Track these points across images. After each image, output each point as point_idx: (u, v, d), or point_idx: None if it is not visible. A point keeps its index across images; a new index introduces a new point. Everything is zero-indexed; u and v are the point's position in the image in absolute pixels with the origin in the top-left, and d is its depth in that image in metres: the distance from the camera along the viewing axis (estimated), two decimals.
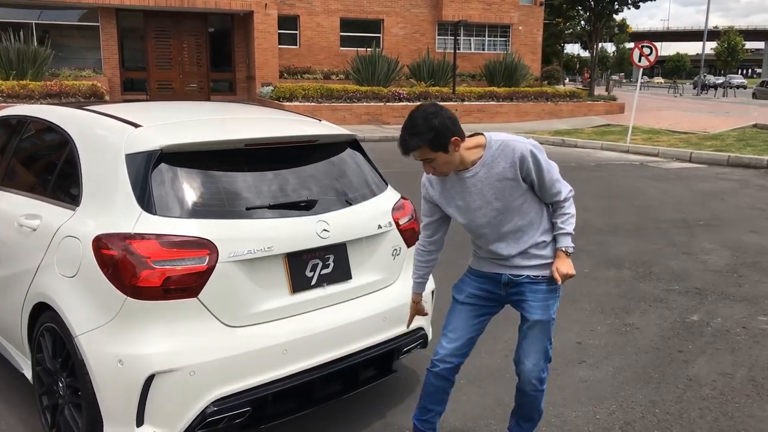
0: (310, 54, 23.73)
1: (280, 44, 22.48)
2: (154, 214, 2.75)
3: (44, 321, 2.99)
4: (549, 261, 2.76)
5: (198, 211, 2.81)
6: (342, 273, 3.17)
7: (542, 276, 2.77)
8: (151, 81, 22.09)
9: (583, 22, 33.67)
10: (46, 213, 3.12)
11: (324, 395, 3.14)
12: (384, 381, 3.60)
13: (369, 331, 3.20)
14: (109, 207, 2.84)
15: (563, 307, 5.05)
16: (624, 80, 64.98)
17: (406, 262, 3.49)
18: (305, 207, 3.07)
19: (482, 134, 2.70)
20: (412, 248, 3.53)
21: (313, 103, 18.84)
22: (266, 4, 21.58)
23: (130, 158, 2.87)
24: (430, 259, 3.01)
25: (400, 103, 19.53)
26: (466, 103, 20.54)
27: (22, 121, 3.79)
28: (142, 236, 2.68)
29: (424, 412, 3.02)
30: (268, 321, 2.90)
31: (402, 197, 3.67)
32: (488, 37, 26.70)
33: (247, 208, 2.92)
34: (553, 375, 3.95)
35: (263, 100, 20.36)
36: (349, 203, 3.27)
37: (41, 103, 11.67)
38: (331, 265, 3.12)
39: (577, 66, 48.69)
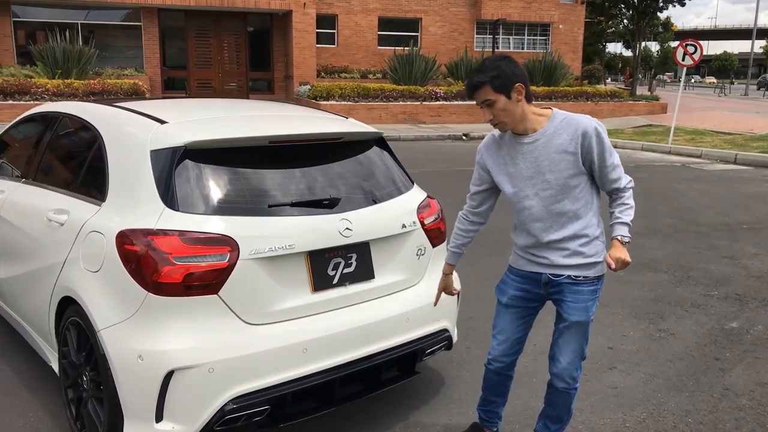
0: (347, 53, 23.79)
1: (317, 43, 22.58)
2: (177, 210, 2.75)
3: (70, 315, 3.03)
4: (591, 260, 2.68)
5: (220, 208, 2.81)
6: (365, 272, 3.13)
7: (583, 276, 2.69)
8: (191, 80, 22.42)
9: (625, 21, 33.03)
10: (74, 208, 3.16)
11: (345, 395, 3.11)
12: (407, 382, 3.56)
13: (391, 332, 3.15)
14: (134, 203, 2.86)
15: (595, 311, 4.95)
16: (671, 80, 63.57)
17: (431, 263, 3.44)
18: (328, 205, 3.04)
19: (550, 108, 2.67)
20: (438, 248, 3.50)
21: (349, 102, 18.87)
22: (305, 4, 21.70)
23: (155, 154, 2.88)
24: (470, 230, 2.95)
25: (437, 102, 19.43)
26: None
27: (55, 117, 3.86)
28: (164, 232, 2.69)
29: (486, 403, 3.09)
30: (289, 319, 2.88)
31: (428, 196, 3.62)
32: (528, 35, 26.38)
33: (270, 206, 2.90)
34: (582, 380, 3.84)
35: (300, 99, 20.49)
36: (373, 202, 3.24)
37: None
38: (354, 264, 3.09)
39: (620, 65, 47.76)
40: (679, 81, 17.46)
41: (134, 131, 3.12)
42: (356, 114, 18.81)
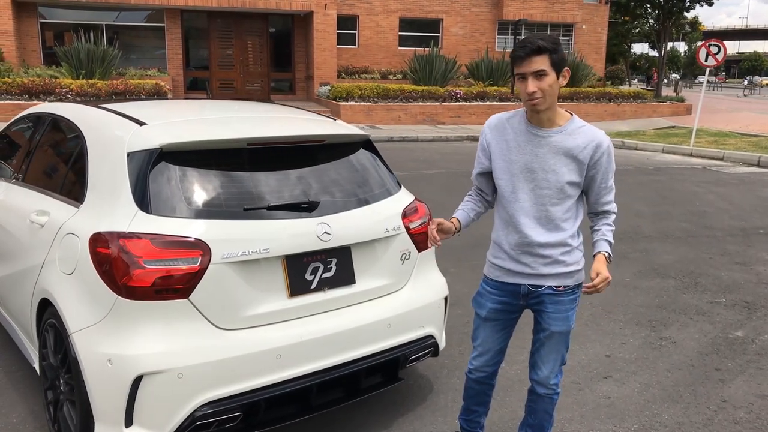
0: (368, 54, 23.76)
1: (338, 44, 22.58)
2: (150, 213, 2.73)
3: (48, 317, 3.03)
4: (570, 269, 2.65)
5: (194, 211, 2.78)
6: (345, 277, 3.08)
7: (564, 286, 2.65)
8: (213, 80, 22.58)
9: (651, 21, 32.52)
10: (54, 209, 3.16)
11: (323, 402, 3.06)
12: (393, 388, 3.51)
13: (371, 338, 3.10)
14: (109, 205, 2.85)
15: (595, 317, 4.86)
16: (721, 81, 62.13)
17: (416, 268, 3.38)
18: (306, 209, 3.00)
19: (571, 113, 2.64)
20: (424, 253, 3.43)
21: (368, 103, 18.84)
22: (326, 5, 21.72)
23: (131, 156, 2.86)
24: (474, 207, 2.85)
25: (457, 103, 19.31)
26: None
27: (45, 118, 3.88)
28: (135, 235, 2.67)
29: (468, 412, 3.04)
30: (264, 324, 2.85)
31: (416, 199, 3.56)
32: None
33: (245, 209, 2.87)
34: (573, 390, 3.78)
35: (320, 99, 20.52)
36: (355, 205, 3.18)
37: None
38: (334, 268, 3.04)
39: (646, 66, 47.01)
40: (710, 83, 17.10)
41: (113, 132, 3.11)
42: (375, 115, 18.79)
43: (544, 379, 2.76)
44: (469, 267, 5.37)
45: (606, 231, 2.65)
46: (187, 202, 2.80)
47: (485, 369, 2.89)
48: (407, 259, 3.35)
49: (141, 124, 3.05)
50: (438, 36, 24.49)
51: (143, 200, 2.75)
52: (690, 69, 65.28)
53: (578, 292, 2.72)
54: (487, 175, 2.78)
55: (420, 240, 3.41)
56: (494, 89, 20.50)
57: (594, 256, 2.60)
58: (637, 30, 36.05)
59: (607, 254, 2.59)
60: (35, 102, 16.05)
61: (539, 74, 2.43)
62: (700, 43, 17.58)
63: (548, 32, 25.37)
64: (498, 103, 19.35)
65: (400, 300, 3.28)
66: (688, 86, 47.77)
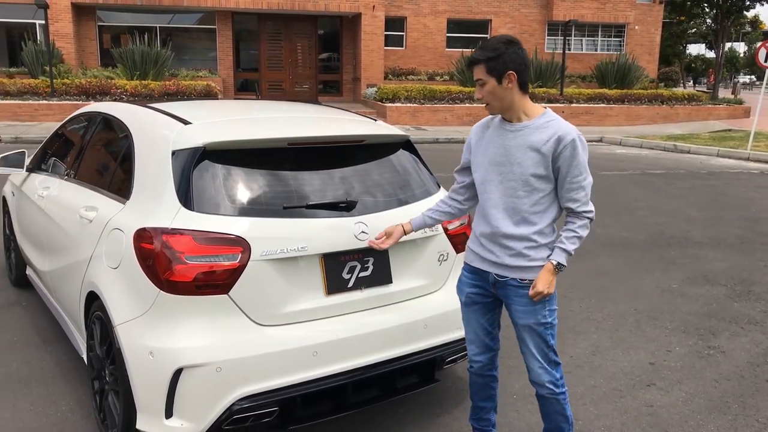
0: (415, 55, 23.74)
1: (386, 46, 22.64)
2: (193, 210, 2.79)
3: (95, 309, 3.12)
4: (535, 264, 2.65)
5: (235, 209, 2.83)
6: (382, 277, 3.09)
7: (529, 280, 2.65)
8: (263, 82, 22.91)
9: (708, 20, 31.58)
10: (102, 205, 3.27)
11: (359, 400, 3.07)
12: (428, 389, 3.51)
13: (408, 338, 3.10)
14: (153, 202, 2.92)
15: (639, 324, 4.75)
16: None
17: (454, 269, 3.36)
18: (345, 208, 3.02)
19: (545, 107, 2.68)
20: (462, 254, 3.41)
21: (414, 104, 18.84)
22: (374, 6, 21.81)
23: (176, 155, 2.93)
24: (436, 212, 2.95)
25: None
26: (573, 105, 19.82)
27: (95, 117, 4.00)
28: (178, 231, 2.73)
29: (476, 411, 3.06)
30: (301, 321, 2.88)
31: None
32: (601, 37, 25.60)
33: (285, 208, 2.91)
34: (614, 396, 3.70)
35: (367, 101, 20.61)
36: (393, 205, 3.19)
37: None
38: (371, 268, 3.06)
39: (703, 68, 45.63)
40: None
41: (160, 131, 3.18)
42: (421, 116, 18.78)
43: (537, 378, 2.75)
44: None
45: (566, 237, 2.62)
46: (229, 199, 2.85)
47: (479, 358, 2.93)
48: (445, 260, 3.34)
49: (186, 123, 3.12)
50: (486, 37, 24.28)
51: (186, 197, 2.82)
52: (750, 70, 63.13)
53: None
54: (466, 171, 2.88)
55: (458, 242, 3.39)
56: (543, 90, 20.25)
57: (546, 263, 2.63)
58: (693, 30, 35.02)
59: (555, 263, 2.60)
60: (92, 102, 16.59)
61: (479, 82, 2.60)
62: (759, 44, 16.98)
63: (599, 33, 25.00)
64: (546, 105, 19.01)
65: (437, 301, 3.28)
66: (747, 88, 46.17)
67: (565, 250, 2.60)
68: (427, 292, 3.27)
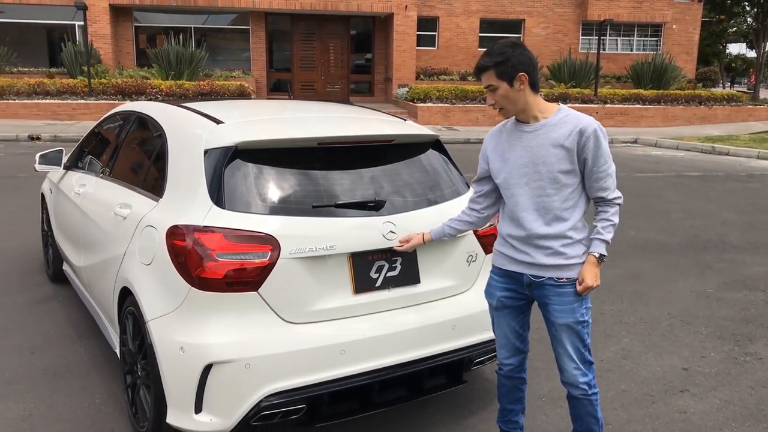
0: (447, 55, 23.68)
1: (418, 46, 22.63)
2: (224, 208, 2.83)
3: (128, 305, 3.18)
4: (572, 262, 2.63)
5: (265, 207, 2.86)
6: (410, 276, 3.09)
7: (566, 278, 2.63)
8: (295, 82, 23.08)
9: (749, 19, 30.87)
10: (136, 203, 3.32)
11: (385, 400, 3.08)
12: (456, 390, 3.49)
13: (435, 339, 3.09)
14: (186, 199, 2.96)
15: (673, 328, 4.66)
16: None
17: (483, 270, 3.34)
18: (373, 207, 3.03)
19: (558, 103, 2.69)
20: (490, 256, 3.39)
21: (446, 104, 18.81)
22: (406, 6, 21.80)
23: (208, 153, 2.97)
24: (457, 223, 2.95)
25: None
26: (608, 105, 19.56)
27: (130, 116, 4.08)
28: (210, 229, 2.77)
29: (504, 413, 3.05)
30: (329, 320, 2.89)
31: None
32: (637, 36, 25.20)
33: (314, 206, 2.92)
34: (646, 402, 3.64)
35: (398, 101, 20.62)
36: (421, 205, 3.19)
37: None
38: (399, 267, 3.06)
39: (743, 67, 44.63)
40: None
41: (193, 130, 3.23)
42: (453, 116, 18.72)
43: (571, 379, 2.71)
44: None
45: (602, 227, 2.62)
46: (259, 198, 2.88)
47: (509, 361, 2.91)
48: (473, 261, 3.32)
49: (218, 122, 3.15)
50: (519, 37, 24.10)
51: (218, 195, 2.85)
52: None
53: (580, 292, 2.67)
54: (486, 180, 2.85)
55: (487, 243, 3.37)
56: (576, 91, 20.02)
57: (587, 256, 2.63)
58: (733, 29, 34.29)
59: (597, 255, 2.61)
60: (127, 101, 16.89)
61: (490, 89, 2.60)
62: None
63: (635, 32, 24.61)
64: (580, 105, 18.85)
65: (466, 302, 3.26)
66: None
67: (603, 240, 2.61)
68: (455, 293, 3.26)
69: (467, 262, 3.29)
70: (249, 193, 2.88)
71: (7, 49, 18.27)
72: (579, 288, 2.60)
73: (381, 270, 3.01)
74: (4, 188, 8.92)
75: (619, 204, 2.64)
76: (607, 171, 2.59)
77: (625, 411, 3.55)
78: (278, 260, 2.76)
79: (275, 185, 2.94)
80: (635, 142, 16.84)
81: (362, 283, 2.96)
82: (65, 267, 4.88)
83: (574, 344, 2.67)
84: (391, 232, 2.98)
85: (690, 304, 5.22)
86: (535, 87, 2.59)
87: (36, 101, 16.78)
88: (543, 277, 2.65)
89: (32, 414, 3.37)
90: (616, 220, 2.63)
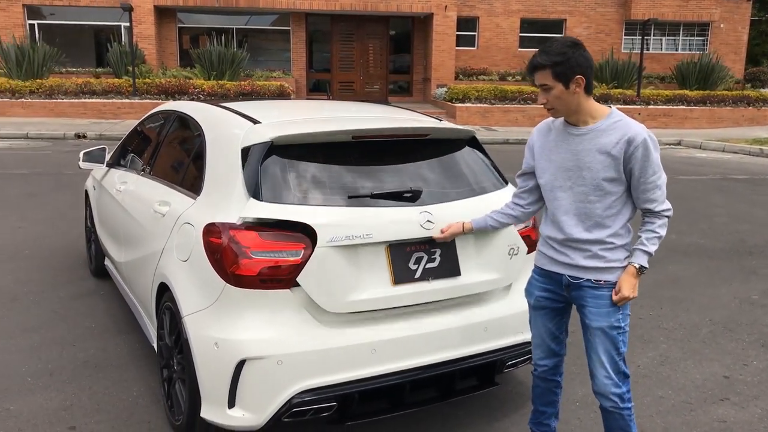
0: (487, 55, 23.52)
1: (457, 46, 22.53)
2: (260, 201, 2.86)
3: (165, 300, 3.24)
4: (611, 265, 2.57)
5: (301, 199, 2.88)
6: (450, 268, 3.05)
7: (605, 281, 2.57)
8: (334, 82, 23.22)
9: None
10: (175, 200, 3.39)
11: (416, 400, 3.08)
12: (488, 392, 3.47)
13: (468, 340, 3.07)
14: (223, 197, 3.01)
15: (714, 335, 4.55)
16: None
17: (525, 269, 3.30)
18: (410, 198, 3.02)
19: (610, 107, 2.60)
20: (530, 255, 3.36)
21: (485, 105, 18.68)
22: (446, 6, 21.74)
23: (245, 151, 3.01)
24: (500, 215, 2.93)
25: None
26: (651, 106, 19.18)
27: (170, 115, 4.16)
28: (245, 227, 2.81)
29: (537, 415, 3.03)
30: (369, 310, 2.88)
31: None
32: (682, 36, 24.64)
33: (350, 197, 2.93)
34: (684, 410, 3.57)
35: (437, 101, 20.57)
36: (458, 197, 3.16)
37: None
38: (438, 259, 3.02)
39: None
40: None
41: (231, 130, 3.28)
42: (492, 116, 18.59)
43: (602, 388, 2.64)
44: None
45: (646, 239, 2.54)
46: (296, 191, 2.90)
47: (543, 362, 2.88)
48: (515, 254, 3.26)
49: (255, 122, 3.20)
50: (560, 37, 23.81)
51: (255, 191, 2.89)
52: None
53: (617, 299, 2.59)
54: (530, 175, 2.81)
55: (527, 243, 3.34)
56: (618, 92, 19.68)
57: (627, 266, 2.57)
58: None
59: (637, 266, 2.54)
60: (170, 101, 17.22)
61: (544, 88, 2.52)
62: None
63: (680, 32, 24.06)
64: (622, 106, 18.51)
65: (499, 304, 3.24)
66: None
67: (646, 252, 2.54)
68: (497, 287, 3.22)
69: (509, 255, 3.23)
70: (285, 187, 2.90)
71: (56, 50, 18.79)
72: (615, 298, 2.55)
73: (420, 261, 2.98)
74: (52, 185, 9.19)
75: (667, 216, 2.56)
76: (655, 182, 2.50)
77: (662, 418, 3.48)
78: (315, 250, 2.76)
79: (311, 179, 2.97)
80: (679, 144, 16.47)
81: (401, 274, 2.93)
82: (107, 262, 5.00)
83: (608, 351, 2.60)
84: (428, 221, 2.96)
85: (733, 310, 5.08)
86: (589, 90, 2.51)
87: (83, 100, 17.23)
88: (581, 279, 2.61)
89: (73, 404, 3.46)
90: (662, 232, 2.55)
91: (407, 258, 2.96)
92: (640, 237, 2.57)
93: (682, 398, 3.70)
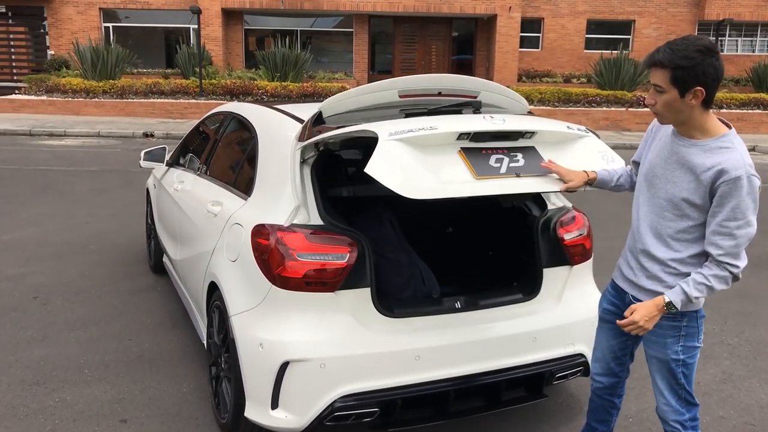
0: (551, 57, 23.09)
1: (521, 47, 22.22)
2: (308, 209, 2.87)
3: (215, 299, 3.29)
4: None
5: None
6: (537, 166, 2.65)
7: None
8: None
9: None
10: (227, 201, 3.44)
11: (461, 409, 3.03)
12: (537, 404, 3.38)
13: (515, 350, 3.00)
14: (272, 199, 3.04)
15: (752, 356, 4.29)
16: None
17: (569, 282, 3.21)
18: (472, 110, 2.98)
19: (730, 127, 2.31)
20: (578, 266, 3.26)
21: (548, 107, 18.29)
22: (510, 7, 21.47)
23: (297, 154, 3.01)
24: (621, 175, 2.69)
25: (645, 109, 18.11)
26: (723, 110, 18.38)
27: (227, 116, 4.23)
28: (292, 229, 2.82)
29: (588, 429, 2.93)
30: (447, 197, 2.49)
31: (574, 207, 3.39)
32: (760, 36, 23.55)
33: (407, 114, 2.89)
34: (747, 431, 3.37)
35: None
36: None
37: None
38: (521, 160, 2.65)
39: None
40: None
41: (283, 132, 3.30)
42: (555, 119, 18.18)
43: (661, 414, 2.54)
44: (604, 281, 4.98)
45: (693, 280, 2.28)
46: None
47: (602, 379, 2.78)
48: (612, 161, 2.80)
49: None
50: (629, 38, 23.16)
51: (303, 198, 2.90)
52: None
53: (683, 321, 2.40)
54: (639, 165, 2.60)
55: (576, 252, 3.24)
56: None
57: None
58: None
59: (667, 300, 2.31)
60: (235, 102, 17.57)
61: (656, 88, 2.26)
62: None
63: (758, 32, 23.01)
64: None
65: (548, 313, 3.15)
66: None
67: (685, 292, 2.28)
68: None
69: (603, 159, 2.80)
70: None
71: (129, 52, 19.50)
72: (619, 321, 2.38)
73: (501, 162, 2.61)
74: (119, 182, 9.52)
75: (730, 273, 2.26)
76: (731, 230, 2.21)
77: None
78: (382, 142, 2.43)
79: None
80: (753, 150, 15.74)
81: (483, 169, 2.54)
82: (165, 259, 5.13)
83: (665, 379, 2.47)
84: (493, 120, 2.65)
85: None
86: (708, 104, 2.24)
87: (152, 100, 17.80)
88: (641, 301, 2.44)
89: (125, 398, 3.56)
90: (714, 284, 2.26)
91: (486, 159, 2.59)
92: (690, 273, 2.33)
93: (744, 419, 3.51)
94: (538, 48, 23.23)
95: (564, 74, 22.44)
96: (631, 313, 2.35)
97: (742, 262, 2.28)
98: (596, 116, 18.08)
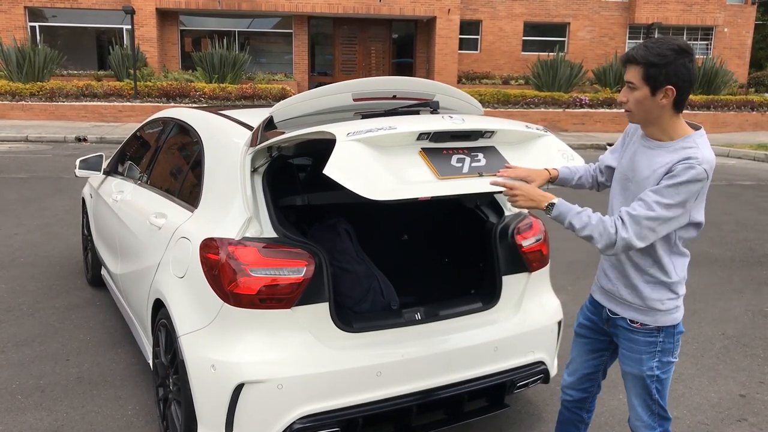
0: (490, 59, 23.42)
1: (460, 49, 22.45)
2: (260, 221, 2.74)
3: (160, 317, 3.11)
4: (651, 305, 2.36)
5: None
6: (499, 166, 2.55)
7: (641, 323, 2.39)
8: None
9: None
10: (171, 213, 3.26)
11: (423, 423, 2.95)
12: (496, 414, 3.34)
13: (476, 361, 2.94)
14: (221, 210, 2.88)
15: (728, 350, 4.41)
16: None
17: (527, 290, 3.18)
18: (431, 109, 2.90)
19: (699, 129, 2.26)
20: (536, 273, 3.24)
21: (487, 108, 18.50)
22: (449, 10, 21.65)
23: (247, 162, 2.87)
24: (584, 172, 2.63)
25: (581, 110, 18.58)
26: None
27: (168, 122, 4.03)
28: (244, 243, 2.68)
29: None
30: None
31: (531, 214, 3.36)
32: (686, 40, 24.49)
33: (363, 117, 2.78)
34: (701, 431, 3.42)
35: None
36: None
37: (236, 105, 12.59)
38: (483, 160, 2.55)
39: None
40: None
41: (230, 139, 3.15)
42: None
43: (634, 428, 2.52)
44: (588, 286, 5.03)
45: (587, 209, 2.25)
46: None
47: (572, 392, 2.72)
48: (571, 159, 2.76)
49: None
50: (564, 40, 23.71)
51: (255, 208, 2.75)
52: None
53: (659, 336, 2.39)
54: (612, 157, 2.56)
55: (534, 259, 3.21)
56: (616, 95, 19.51)
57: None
58: None
59: (553, 201, 2.27)
60: (172, 104, 17.11)
61: (629, 85, 2.24)
62: None
63: (684, 36, 23.93)
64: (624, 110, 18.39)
65: (508, 322, 3.11)
66: None
67: (568, 206, 2.25)
68: None
69: (563, 157, 2.74)
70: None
71: (57, 52, 18.69)
72: (507, 182, 2.35)
73: (463, 162, 2.52)
74: (50, 190, 9.07)
75: (615, 232, 2.17)
76: (649, 203, 2.16)
77: None
78: (337, 144, 2.29)
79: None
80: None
81: (445, 169, 2.45)
82: (103, 272, 4.87)
83: (640, 396, 2.45)
84: (453, 120, 2.55)
85: (746, 323, 4.95)
86: (679, 106, 2.21)
87: (84, 103, 17.12)
88: (618, 316, 2.42)
89: (64, 425, 3.33)
90: (594, 225, 2.19)
91: (447, 159, 2.49)
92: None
93: (698, 419, 3.56)
94: (476, 50, 23.53)
95: (503, 76, 22.79)
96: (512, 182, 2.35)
97: (634, 240, 2.17)
98: (534, 117, 18.41)
